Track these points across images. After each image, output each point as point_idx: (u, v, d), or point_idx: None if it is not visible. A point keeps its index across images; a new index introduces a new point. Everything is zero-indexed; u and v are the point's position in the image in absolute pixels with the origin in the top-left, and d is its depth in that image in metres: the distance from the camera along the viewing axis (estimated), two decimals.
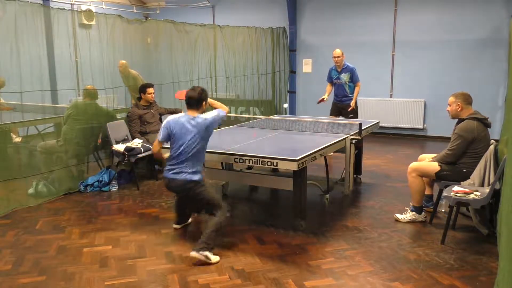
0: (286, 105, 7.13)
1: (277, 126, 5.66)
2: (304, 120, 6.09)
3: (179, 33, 7.65)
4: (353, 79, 7.05)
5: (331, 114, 7.31)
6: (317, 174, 5.57)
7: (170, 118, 3.91)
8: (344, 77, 7.06)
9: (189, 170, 3.76)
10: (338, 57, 6.99)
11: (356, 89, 7.08)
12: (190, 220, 4.42)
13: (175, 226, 4.31)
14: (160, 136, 3.89)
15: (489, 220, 4.07)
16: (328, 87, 7.33)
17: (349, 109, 7.00)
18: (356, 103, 7.07)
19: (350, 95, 7.08)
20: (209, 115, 3.85)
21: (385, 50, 9.06)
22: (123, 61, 6.69)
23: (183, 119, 3.82)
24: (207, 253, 3.54)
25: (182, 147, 3.75)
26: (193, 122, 3.78)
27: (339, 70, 7.10)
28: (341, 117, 7.06)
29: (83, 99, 5.83)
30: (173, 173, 3.79)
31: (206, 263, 3.51)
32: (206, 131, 3.81)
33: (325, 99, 7.19)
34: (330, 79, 7.28)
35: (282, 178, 4.37)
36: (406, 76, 8.98)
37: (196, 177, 3.78)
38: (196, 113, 3.85)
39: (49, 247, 3.89)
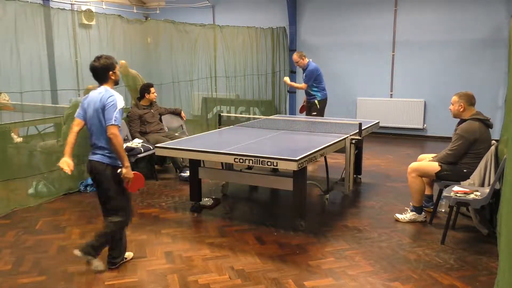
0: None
1: (277, 126, 5.66)
2: (304, 120, 6.09)
3: (179, 33, 7.65)
4: (304, 78, 7.03)
5: (306, 113, 7.35)
6: (317, 174, 5.57)
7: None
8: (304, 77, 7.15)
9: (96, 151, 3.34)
10: (296, 62, 7.04)
11: (298, 84, 7.36)
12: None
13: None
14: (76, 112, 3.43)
15: (489, 220, 4.07)
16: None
17: (284, 79, 7.38)
18: (323, 102, 7.02)
19: (314, 94, 7.01)
20: (112, 98, 3.24)
21: (385, 50, 9.06)
22: (123, 61, 6.68)
23: (91, 93, 3.39)
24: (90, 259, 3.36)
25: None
26: (95, 94, 3.33)
27: (303, 70, 7.17)
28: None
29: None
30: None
31: (204, 263, 3.51)
32: (97, 107, 3.26)
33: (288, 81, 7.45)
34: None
35: (282, 178, 4.37)
36: (406, 76, 8.97)
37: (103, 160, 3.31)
38: (107, 85, 3.37)
39: (49, 247, 3.89)
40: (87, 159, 3.44)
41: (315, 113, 6.94)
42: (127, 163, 3.28)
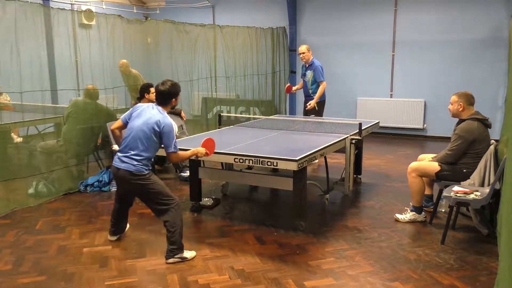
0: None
1: (277, 126, 5.67)
2: (304, 120, 6.09)
3: (179, 33, 7.64)
4: (316, 78, 6.75)
5: (304, 113, 7.05)
6: (317, 174, 5.57)
7: (141, 104, 3.77)
8: (309, 74, 6.83)
9: (130, 160, 3.52)
10: (303, 53, 6.79)
11: (319, 89, 6.71)
12: (127, 226, 4.18)
13: (111, 238, 3.98)
14: (123, 115, 3.73)
15: (489, 220, 4.07)
16: (300, 83, 7.18)
17: (306, 108, 6.81)
18: (322, 103, 6.81)
19: (313, 95, 6.78)
20: (169, 124, 3.52)
21: (385, 50, 9.06)
22: (124, 61, 6.68)
23: (149, 106, 3.63)
24: (179, 255, 3.57)
25: (129, 131, 3.58)
26: (153, 111, 3.56)
27: (306, 66, 6.89)
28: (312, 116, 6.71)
29: (83, 99, 5.83)
30: (118, 160, 3.58)
31: (204, 263, 3.51)
32: (151, 126, 3.50)
33: (293, 89, 7.10)
34: (301, 75, 7.12)
35: (282, 178, 4.37)
36: (406, 76, 8.98)
37: (135, 169, 3.52)
38: (165, 108, 3.64)
39: (49, 247, 3.89)
40: (113, 165, 3.62)
41: (313, 114, 6.75)
42: (193, 155, 3.71)
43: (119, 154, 3.61)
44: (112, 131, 3.84)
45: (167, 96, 3.62)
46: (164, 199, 3.58)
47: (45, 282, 3.29)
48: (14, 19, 4.98)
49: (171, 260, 3.55)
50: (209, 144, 3.76)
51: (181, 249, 3.58)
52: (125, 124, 3.69)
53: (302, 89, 7.17)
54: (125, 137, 3.61)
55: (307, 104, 6.80)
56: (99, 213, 4.77)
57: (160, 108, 3.62)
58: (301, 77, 7.12)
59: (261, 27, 9.25)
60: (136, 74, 6.85)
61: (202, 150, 3.70)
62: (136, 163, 3.51)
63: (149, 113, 3.55)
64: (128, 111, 3.75)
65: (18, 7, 5.01)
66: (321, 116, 6.82)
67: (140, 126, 3.52)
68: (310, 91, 6.87)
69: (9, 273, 3.42)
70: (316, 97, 6.74)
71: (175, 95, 3.67)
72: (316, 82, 6.78)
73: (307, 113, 6.88)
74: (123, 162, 3.54)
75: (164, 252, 3.70)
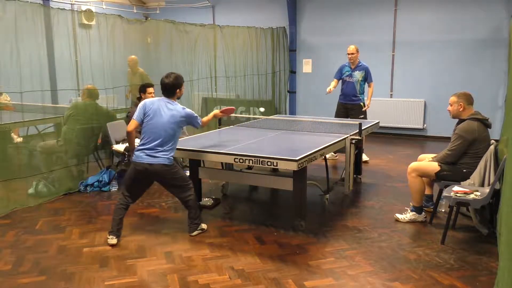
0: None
1: (277, 126, 5.66)
2: (304, 120, 6.09)
3: (179, 33, 7.65)
4: (367, 79, 6.78)
5: (337, 116, 6.91)
6: (317, 174, 5.57)
7: (146, 99, 4.06)
8: (358, 75, 6.75)
9: (162, 154, 3.87)
10: (352, 54, 6.71)
11: (370, 89, 6.81)
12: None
13: (111, 242, 3.90)
14: (135, 115, 3.97)
15: (489, 220, 4.07)
16: (334, 83, 6.86)
17: (363, 109, 6.76)
18: (364, 104, 6.83)
19: (360, 95, 6.77)
20: (187, 110, 4.01)
21: (385, 50, 9.06)
22: (134, 56, 6.68)
23: (161, 102, 3.96)
24: (200, 227, 4.14)
25: (155, 129, 3.87)
26: (170, 106, 3.93)
27: (353, 66, 6.79)
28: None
29: (83, 99, 5.83)
30: (147, 156, 3.85)
31: (204, 263, 3.51)
32: (178, 121, 3.93)
33: (331, 90, 6.76)
34: (339, 76, 6.89)
35: (282, 178, 4.37)
36: (406, 76, 8.98)
37: (168, 161, 3.91)
38: (172, 99, 4.02)
39: (49, 247, 3.89)
40: (143, 162, 3.86)
41: (362, 116, 6.64)
42: (212, 117, 4.40)
43: (147, 151, 3.85)
44: (130, 132, 4.02)
45: (171, 88, 3.98)
46: (186, 181, 4.09)
47: (45, 282, 3.29)
48: (14, 19, 4.99)
49: (195, 233, 4.08)
50: (227, 111, 4.53)
51: (200, 222, 4.15)
52: (140, 124, 3.96)
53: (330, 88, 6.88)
54: (149, 135, 3.88)
55: (362, 105, 6.76)
56: (99, 213, 4.77)
57: (169, 100, 3.98)
58: (341, 78, 6.87)
59: (261, 27, 9.25)
60: (143, 73, 6.86)
61: (218, 112, 4.50)
62: (169, 155, 3.90)
63: (168, 109, 3.91)
64: (138, 111, 3.97)
65: (18, 7, 5.01)
66: (366, 118, 6.74)
67: (167, 124, 3.86)
68: (358, 91, 6.79)
69: (9, 273, 3.42)
70: (370, 97, 6.87)
71: (179, 86, 4.03)
72: (364, 83, 6.79)
73: (354, 115, 6.70)
74: (156, 157, 3.84)
75: (163, 252, 3.70)
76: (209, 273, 3.40)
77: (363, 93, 6.84)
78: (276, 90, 9.74)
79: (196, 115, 4.05)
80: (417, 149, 7.73)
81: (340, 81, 6.93)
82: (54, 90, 6.07)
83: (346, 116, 6.80)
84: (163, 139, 3.85)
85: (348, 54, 6.78)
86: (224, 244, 3.90)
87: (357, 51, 6.78)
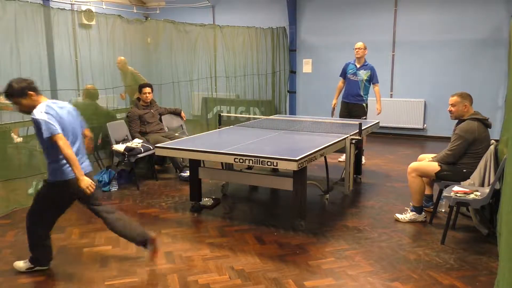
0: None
1: (277, 126, 5.66)
2: (304, 120, 6.09)
3: (179, 33, 7.64)
4: (373, 79, 6.61)
5: (341, 116, 6.74)
6: (317, 174, 5.57)
7: (46, 109, 3.35)
8: (363, 74, 6.58)
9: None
10: (360, 48, 6.53)
11: (377, 91, 6.67)
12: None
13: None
14: (58, 130, 3.16)
15: (489, 220, 4.07)
16: (340, 84, 6.82)
17: (377, 114, 6.68)
18: (367, 105, 6.70)
19: (363, 96, 6.60)
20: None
21: (385, 50, 9.06)
22: (122, 58, 6.65)
23: (66, 106, 3.44)
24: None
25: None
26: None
27: (358, 65, 6.61)
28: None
29: (83, 99, 5.83)
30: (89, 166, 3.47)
31: (204, 263, 3.51)
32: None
33: (335, 105, 6.70)
34: (344, 74, 6.74)
35: (282, 178, 4.37)
36: (406, 76, 8.98)
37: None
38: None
39: None
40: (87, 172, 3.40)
41: (364, 118, 6.52)
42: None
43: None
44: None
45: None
46: None
47: (45, 282, 3.29)
48: (14, 19, 4.99)
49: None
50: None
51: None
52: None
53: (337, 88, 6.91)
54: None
55: (364, 106, 6.63)
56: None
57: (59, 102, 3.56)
58: (348, 76, 6.70)
59: (261, 27, 9.25)
60: (133, 71, 6.83)
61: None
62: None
63: (67, 108, 3.54)
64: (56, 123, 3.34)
65: (18, 7, 5.02)
66: (366, 118, 6.64)
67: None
68: (362, 91, 6.63)
69: (9, 273, 3.42)
70: (379, 100, 6.72)
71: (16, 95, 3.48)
72: (369, 83, 6.64)
73: (356, 115, 6.57)
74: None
75: (163, 252, 3.70)
76: (209, 273, 3.40)
77: (367, 94, 6.70)
78: (276, 90, 9.74)
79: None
80: (417, 149, 7.73)
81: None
82: (54, 90, 6.07)
83: (348, 115, 6.70)
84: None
85: (355, 48, 6.61)
86: (224, 244, 3.90)
87: (365, 48, 6.63)
